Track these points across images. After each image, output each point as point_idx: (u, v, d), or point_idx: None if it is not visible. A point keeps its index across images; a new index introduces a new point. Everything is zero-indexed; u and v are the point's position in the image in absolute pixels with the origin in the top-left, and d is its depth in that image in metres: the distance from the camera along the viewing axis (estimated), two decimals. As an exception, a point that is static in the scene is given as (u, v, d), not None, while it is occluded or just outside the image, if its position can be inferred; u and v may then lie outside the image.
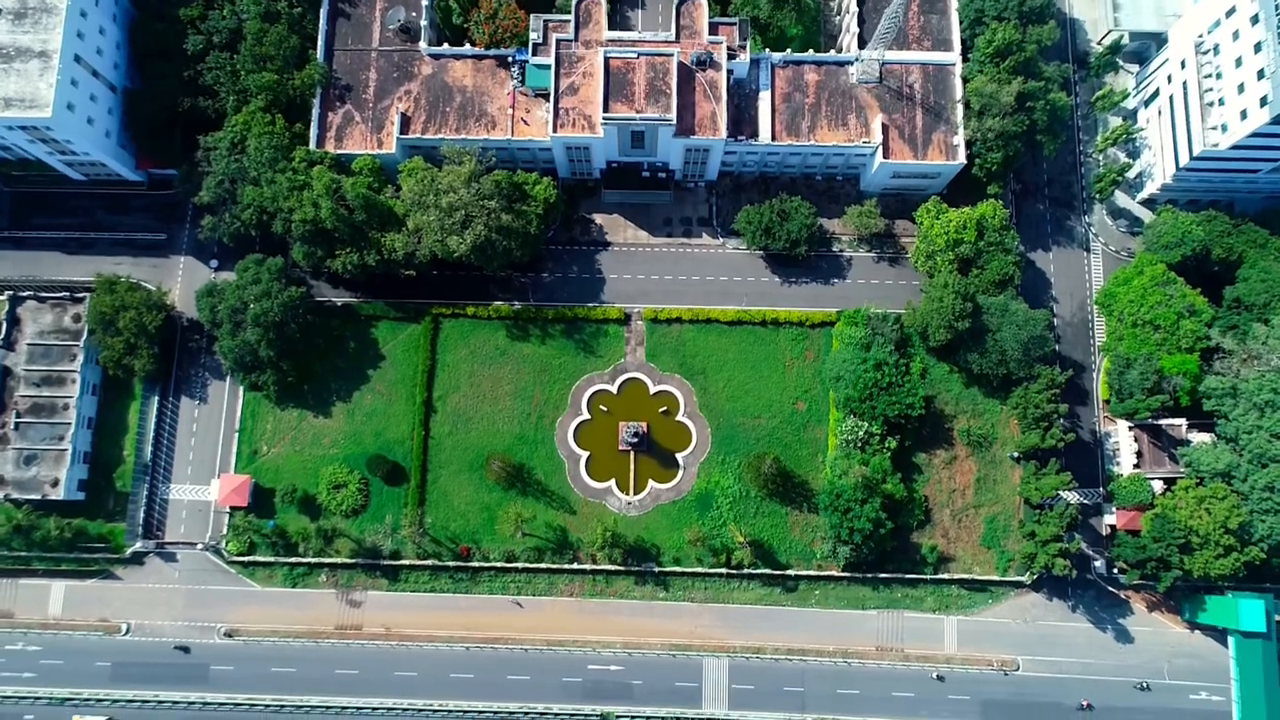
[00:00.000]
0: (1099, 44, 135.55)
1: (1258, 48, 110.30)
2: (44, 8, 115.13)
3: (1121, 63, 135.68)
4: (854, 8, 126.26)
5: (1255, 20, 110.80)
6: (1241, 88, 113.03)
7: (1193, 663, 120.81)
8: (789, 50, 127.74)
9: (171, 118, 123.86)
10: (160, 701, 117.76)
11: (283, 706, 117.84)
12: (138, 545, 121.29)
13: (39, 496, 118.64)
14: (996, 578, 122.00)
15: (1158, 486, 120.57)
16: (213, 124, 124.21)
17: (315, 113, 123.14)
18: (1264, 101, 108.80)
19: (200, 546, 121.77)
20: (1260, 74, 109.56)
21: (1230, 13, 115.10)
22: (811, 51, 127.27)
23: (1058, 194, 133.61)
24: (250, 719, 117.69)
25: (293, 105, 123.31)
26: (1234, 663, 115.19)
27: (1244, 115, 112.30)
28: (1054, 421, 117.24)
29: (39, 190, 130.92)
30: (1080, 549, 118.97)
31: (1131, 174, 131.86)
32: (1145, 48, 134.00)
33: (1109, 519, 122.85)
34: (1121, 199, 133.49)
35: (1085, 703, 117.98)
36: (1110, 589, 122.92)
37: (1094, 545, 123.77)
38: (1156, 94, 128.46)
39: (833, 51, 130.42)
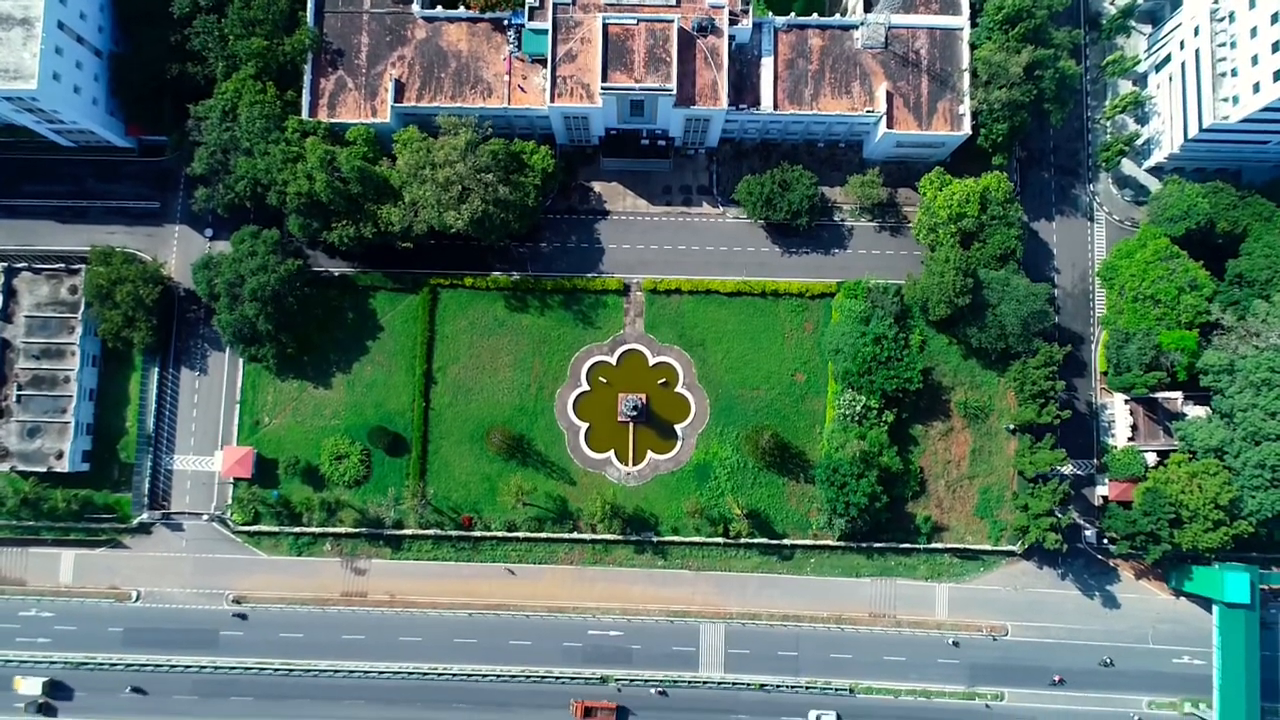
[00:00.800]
0: (1112, 4, 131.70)
1: (1274, 18, 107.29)
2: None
3: (1134, 24, 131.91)
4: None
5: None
6: (1255, 59, 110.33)
7: (1176, 628, 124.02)
8: (793, 13, 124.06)
9: (160, 84, 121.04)
10: (173, 666, 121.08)
11: (291, 670, 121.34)
12: (144, 515, 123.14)
13: (45, 469, 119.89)
14: (989, 547, 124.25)
15: (1151, 459, 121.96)
16: (202, 90, 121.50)
17: (307, 79, 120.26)
18: (1277, 75, 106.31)
19: (206, 517, 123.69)
20: (1275, 46, 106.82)
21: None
22: (816, 15, 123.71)
23: (1063, 161, 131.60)
24: (260, 682, 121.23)
25: (283, 72, 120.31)
26: (1217, 631, 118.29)
27: (1256, 88, 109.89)
28: (1051, 399, 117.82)
29: (27, 157, 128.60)
30: (1072, 521, 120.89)
31: (1139, 141, 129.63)
32: (1159, 7, 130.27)
33: (1101, 490, 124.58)
34: (1128, 166, 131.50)
35: (1057, 678, 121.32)
36: (1100, 557, 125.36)
37: (1086, 515, 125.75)
38: (1168, 59, 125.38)
39: (838, 15, 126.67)
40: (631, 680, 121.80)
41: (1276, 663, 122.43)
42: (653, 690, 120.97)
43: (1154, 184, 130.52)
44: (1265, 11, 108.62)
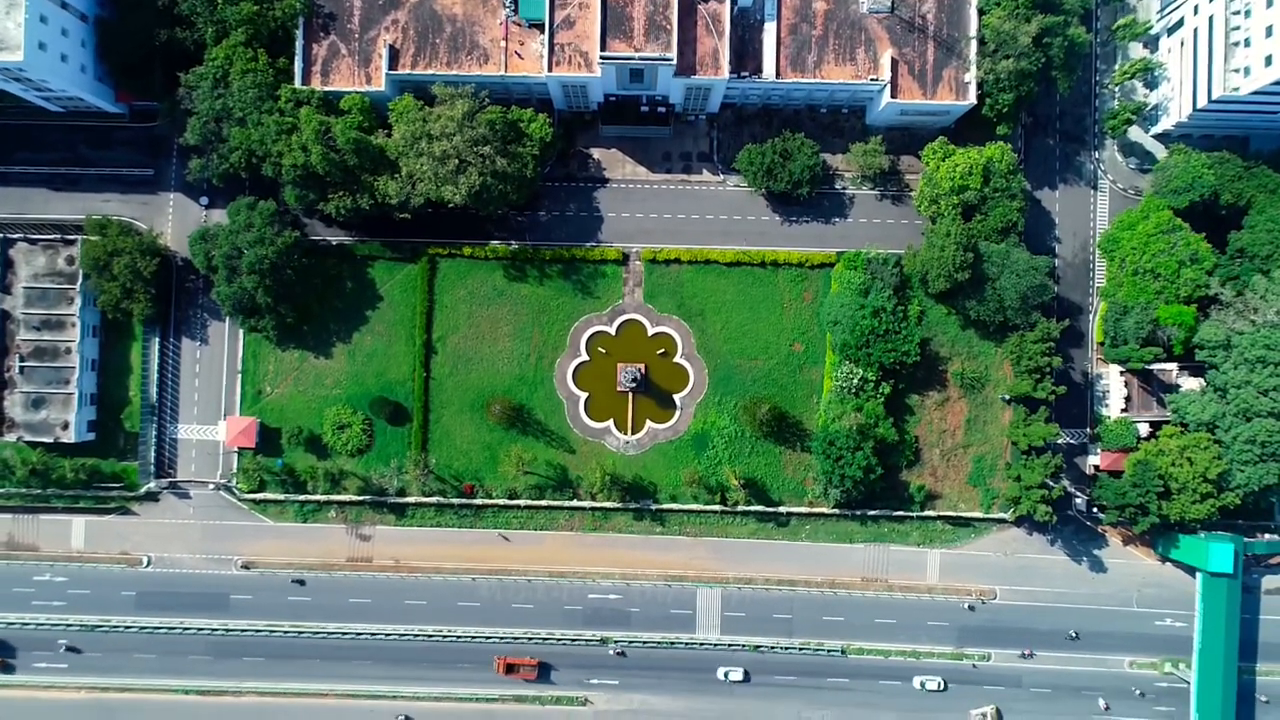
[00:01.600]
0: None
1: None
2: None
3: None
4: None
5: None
6: (1270, 31, 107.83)
7: (1161, 592, 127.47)
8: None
9: (149, 51, 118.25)
10: (185, 628, 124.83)
11: (300, 633, 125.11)
12: (151, 484, 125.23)
13: (51, 439, 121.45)
14: (981, 515, 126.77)
15: (1143, 429, 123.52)
16: (192, 56, 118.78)
17: (299, 46, 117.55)
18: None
19: (212, 486, 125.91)
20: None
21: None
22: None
23: (1069, 127, 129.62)
24: (271, 643, 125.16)
25: (274, 37, 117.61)
26: (1199, 598, 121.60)
27: (1268, 61, 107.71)
28: (1047, 374, 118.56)
29: (17, 123, 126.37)
30: (1064, 491, 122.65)
31: (1147, 107, 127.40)
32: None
33: (1093, 459, 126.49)
34: (1134, 132, 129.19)
35: (1027, 651, 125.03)
36: (1089, 524, 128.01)
37: (1077, 483, 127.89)
38: (1181, 23, 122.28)
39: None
40: (631, 642, 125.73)
41: (1256, 624, 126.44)
42: (611, 650, 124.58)
43: (1160, 150, 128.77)
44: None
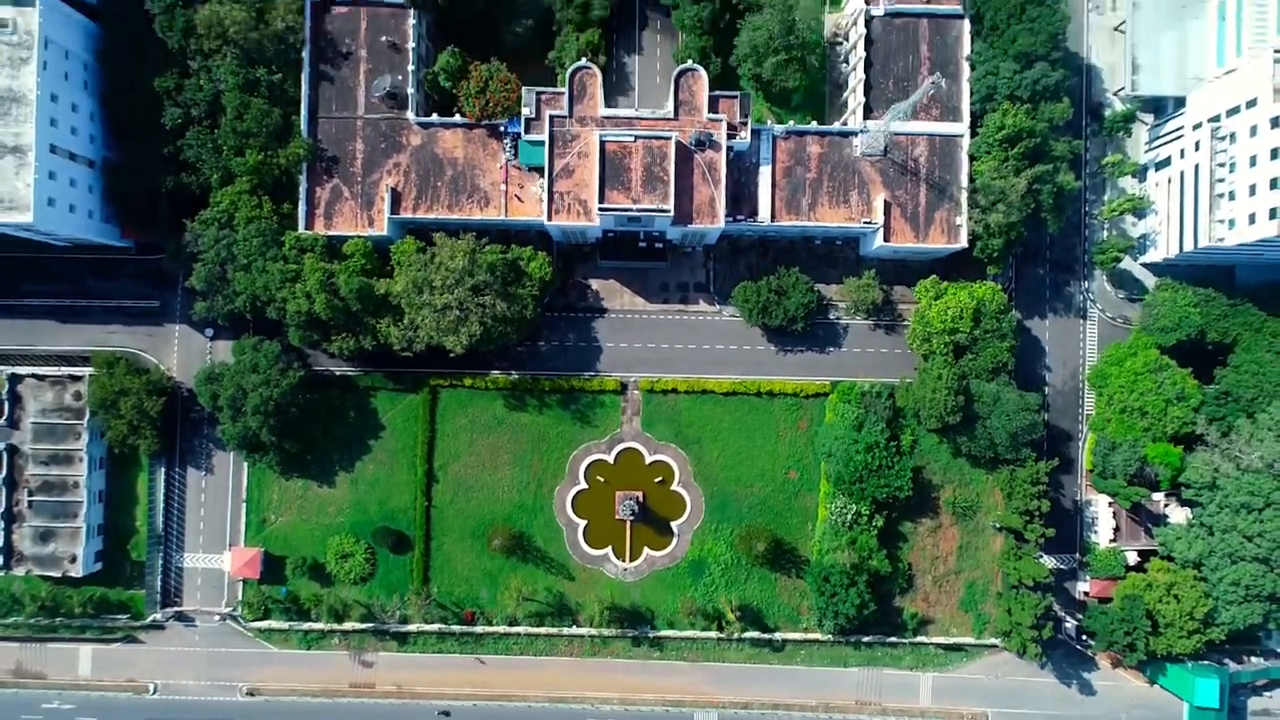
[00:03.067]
0: (1115, 94, 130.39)
1: (1274, 154, 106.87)
2: (12, 97, 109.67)
3: (1138, 115, 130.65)
4: (861, 73, 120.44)
5: (1276, 123, 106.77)
6: (1253, 190, 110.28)
7: (1149, 713, 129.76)
8: (792, 122, 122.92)
9: (155, 193, 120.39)
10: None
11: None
12: (157, 614, 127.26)
13: (59, 573, 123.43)
14: (973, 640, 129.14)
15: (1132, 557, 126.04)
16: (197, 198, 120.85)
17: (302, 190, 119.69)
18: (1273, 214, 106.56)
19: (218, 617, 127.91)
20: (1274, 183, 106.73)
21: (1251, 104, 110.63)
22: (815, 123, 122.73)
23: (1059, 256, 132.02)
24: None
25: (278, 182, 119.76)
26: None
27: (1252, 220, 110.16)
28: (1036, 516, 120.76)
29: (23, 255, 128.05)
30: (1054, 632, 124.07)
31: (1136, 233, 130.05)
32: (1162, 100, 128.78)
33: (1083, 585, 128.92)
34: (1124, 261, 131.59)
35: None
36: (1079, 647, 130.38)
37: (1067, 607, 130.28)
38: (1168, 161, 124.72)
39: (838, 123, 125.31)
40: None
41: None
42: None
43: (1149, 278, 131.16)
44: (1266, 144, 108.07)
